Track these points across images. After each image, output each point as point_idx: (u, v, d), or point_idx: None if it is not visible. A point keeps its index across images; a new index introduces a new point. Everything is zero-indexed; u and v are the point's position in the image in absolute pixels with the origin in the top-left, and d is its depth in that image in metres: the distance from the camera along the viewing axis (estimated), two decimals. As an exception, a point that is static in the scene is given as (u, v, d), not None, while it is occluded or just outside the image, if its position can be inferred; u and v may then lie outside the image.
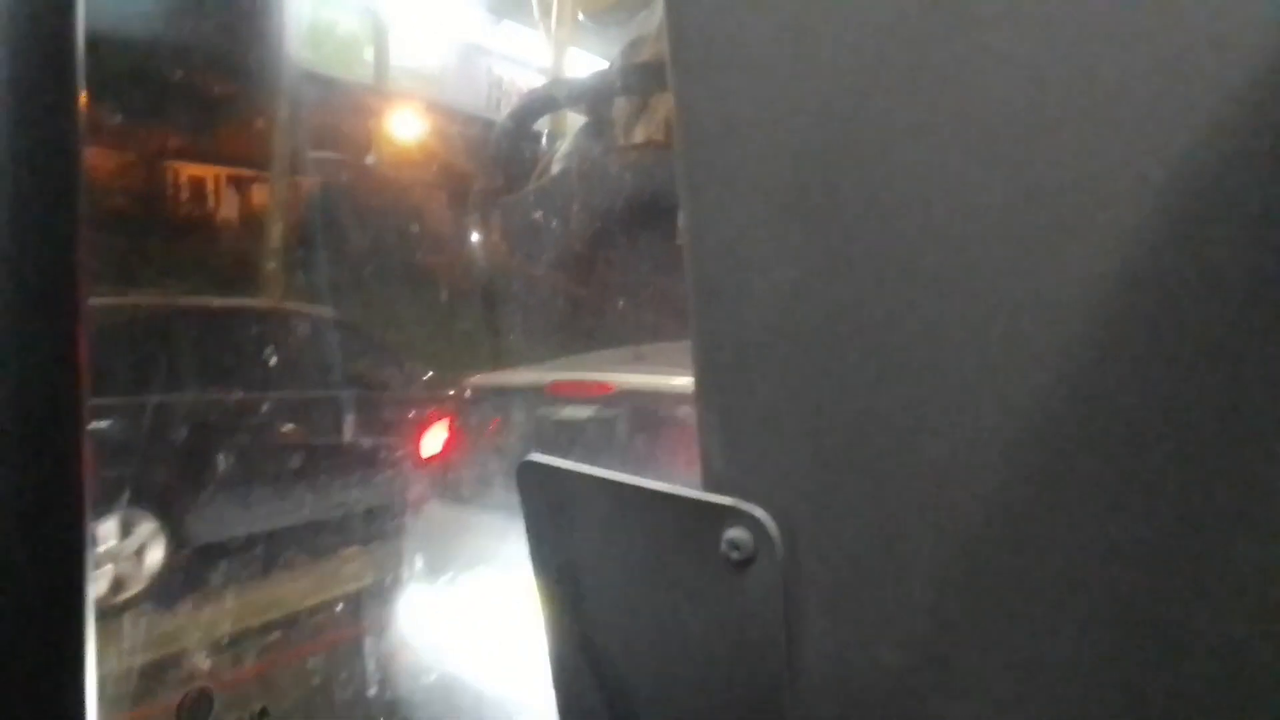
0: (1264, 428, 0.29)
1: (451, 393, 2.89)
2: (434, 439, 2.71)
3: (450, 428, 2.68)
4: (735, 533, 0.39)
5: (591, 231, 2.20)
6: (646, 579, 0.44)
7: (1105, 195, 0.30)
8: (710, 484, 0.40)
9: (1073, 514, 0.32)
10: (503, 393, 2.60)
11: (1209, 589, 0.31)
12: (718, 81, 0.37)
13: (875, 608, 0.37)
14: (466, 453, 2.62)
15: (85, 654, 0.39)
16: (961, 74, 0.32)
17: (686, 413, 2.02)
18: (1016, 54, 0.31)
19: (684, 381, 2.09)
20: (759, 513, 0.38)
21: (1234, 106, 0.28)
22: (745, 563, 0.39)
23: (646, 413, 2.12)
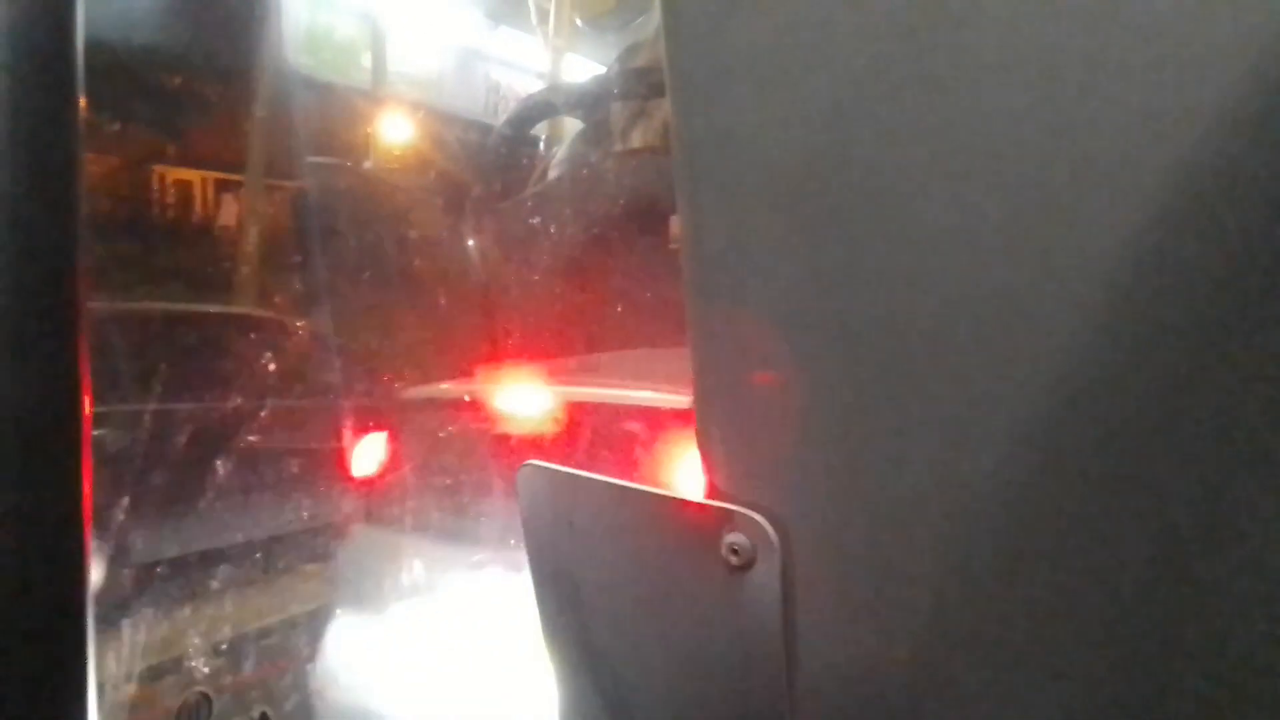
0: (1264, 430, 0.29)
1: (386, 405, 2.64)
2: (367, 456, 2.49)
3: (386, 444, 2.47)
4: (735, 537, 0.39)
5: (588, 237, 2.20)
6: (646, 583, 0.44)
7: (1104, 199, 0.30)
8: (710, 489, 0.40)
9: (1072, 516, 0.33)
10: (439, 406, 2.42)
11: (1210, 591, 0.31)
12: (715, 86, 0.38)
13: (874, 611, 0.37)
14: (400, 471, 2.40)
15: (86, 660, 0.39)
16: (958, 78, 0.32)
17: (636, 427, 1.91)
18: (1013, 58, 0.31)
19: (634, 394, 1.95)
20: (758, 517, 0.38)
21: (1235, 108, 0.28)
22: (745, 567, 0.39)
23: (594, 427, 1.99)
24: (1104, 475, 0.32)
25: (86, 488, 0.39)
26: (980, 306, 0.33)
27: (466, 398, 2.31)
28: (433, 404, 2.42)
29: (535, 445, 2.01)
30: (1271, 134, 0.28)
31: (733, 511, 0.39)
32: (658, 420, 1.86)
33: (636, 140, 2.25)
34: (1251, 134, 0.28)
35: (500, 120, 2.70)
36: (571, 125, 2.65)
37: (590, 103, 2.36)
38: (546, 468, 0.47)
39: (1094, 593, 0.33)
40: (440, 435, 2.32)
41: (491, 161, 2.53)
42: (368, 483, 2.41)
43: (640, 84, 2.15)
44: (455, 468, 2.23)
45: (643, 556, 0.44)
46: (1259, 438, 0.30)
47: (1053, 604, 0.34)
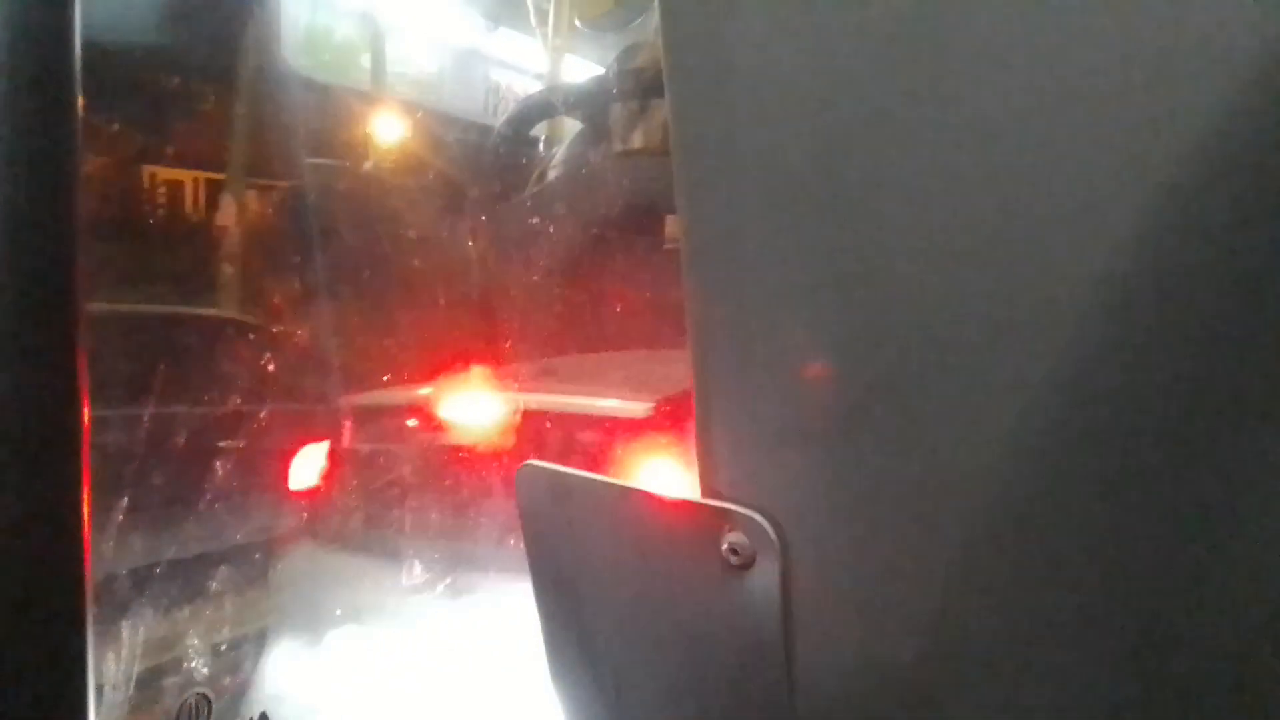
0: (1263, 429, 0.29)
1: (329, 413, 2.40)
2: (307, 468, 2.24)
3: (328, 455, 2.23)
4: (735, 537, 0.39)
5: (587, 237, 2.20)
6: (646, 583, 0.44)
7: (1102, 197, 0.30)
8: (709, 488, 0.40)
9: (1071, 516, 0.33)
10: (384, 414, 2.23)
11: (1210, 587, 0.31)
12: (714, 86, 0.38)
13: (874, 610, 0.37)
14: (342, 484, 2.18)
15: (86, 660, 0.39)
16: (958, 78, 0.32)
17: (590, 438, 1.79)
18: (1014, 56, 0.31)
19: (589, 402, 1.83)
20: (758, 517, 0.38)
21: (1234, 107, 0.28)
22: (745, 566, 0.39)
23: (546, 437, 1.86)
24: (1106, 475, 0.32)
25: (86, 489, 0.39)
26: (980, 306, 0.33)
27: (415, 404, 2.14)
28: (380, 411, 2.24)
29: (483, 456, 1.88)
30: (1273, 134, 0.28)
31: (732, 511, 0.39)
32: (613, 430, 1.76)
33: (637, 141, 2.25)
34: (1251, 135, 0.28)
35: (500, 121, 2.70)
36: (571, 126, 2.65)
37: (589, 103, 2.36)
38: (546, 468, 0.47)
39: (1095, 592, 0.33)
40: (385, 445, 2.15)
41: (491, 162, 2.52)
42: (306, 496, 2.20)
43: (639, 84, 2.15)
44: (398, 480, 2.07)
45: (642, 556, 0.44)
46: (1259, 440, 0.30)
47: (1054, 603, 0.34)
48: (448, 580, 1.81)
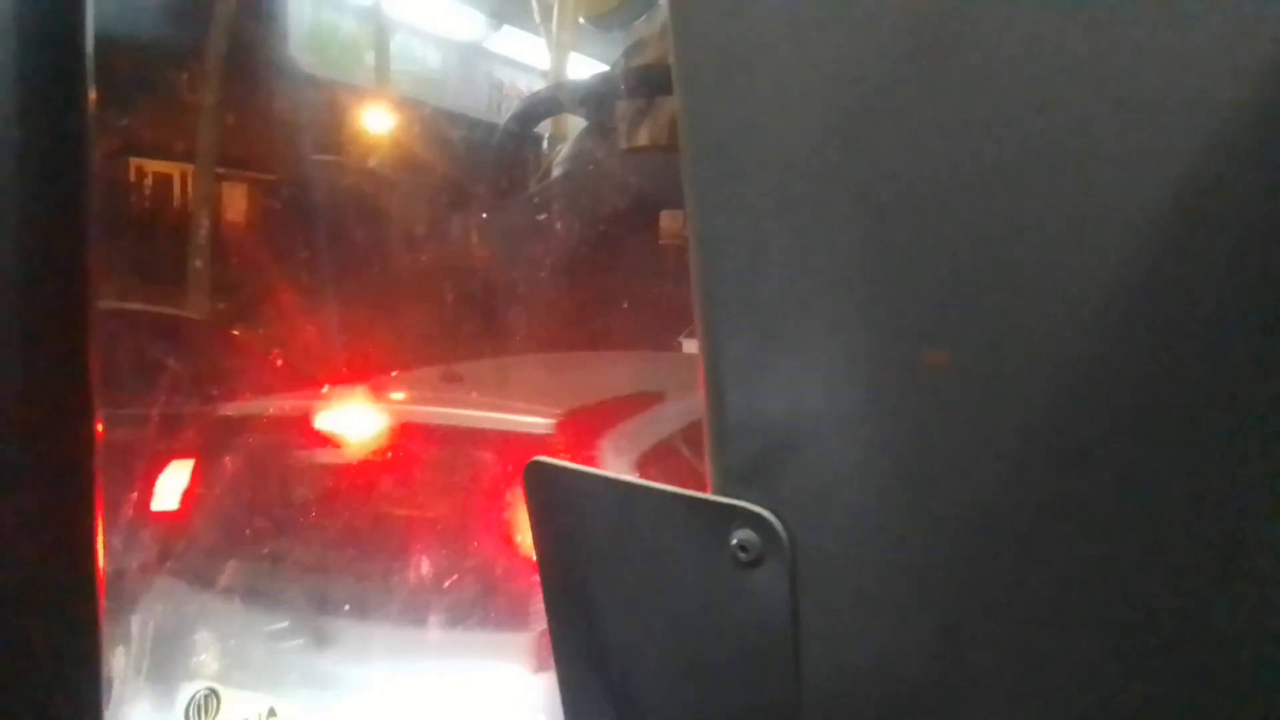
0: (1266, 429, 0.29)
1: (198, 425, 2.06)
2: (171, 487, 1.90)
3: (193, 472, 1.91)
4: (743, 534, 0.39)
5: (593, 233, 2.20)
6: (654, 580, 0.44)
7: (1109, 200, 0.30)
8: (718, 485, 0.40)
9: (1078, 514, 0.33)
10: (258, 426, 1.92)
11: (1213, 588, 0.31)
12: (724, 82, 0.38)
13: (883, 610, 0.37)
14: (209, 506, 1.87)
15: (99, 658, 0.39)
16: (970, 75, 0.32)
17: (485, 457, 1.55)
18: (1023, 54, 0.31)
19: (485, 415, 1.61)
20: (767, 514, 0.38)
21: (1238, 108, 0.28)
22: (753, 564, 0.39)
23: (433, 455, 1.62)
24: (1109, 474, 0.32)
25: (98, 487, 0.39)
26: (995, 306, 0.33)
27: (293, 415, 1.86)
28: (255, 423, 1.94)
29: (357, 475, 1.64)
30: (1275, 136, 0.28)
31: (741, 508, 0.39)
32: (510, 448, 1.53)
33: (643, 138, 2.24)
34: (1257, 136, 0.28)
35: (504, 118, 2.70)
36: (575, 123, 2.65)
37: (595, 100, 2.36)
38: (553, 464, 0.47)
39: (1107, 593, 0.33)
40: (255, 462, 1.86)
41: (495, 159, 2.52)
42: (168, 520, 1.88)
43: (645, 81, 2.15)
44: (260, 503, 1.79)
45: (650, 553, 0.44)
46: (1262, 440, 0.30)
47: (1065, 605, 0.34)
48: (312, 626, 1.55)
